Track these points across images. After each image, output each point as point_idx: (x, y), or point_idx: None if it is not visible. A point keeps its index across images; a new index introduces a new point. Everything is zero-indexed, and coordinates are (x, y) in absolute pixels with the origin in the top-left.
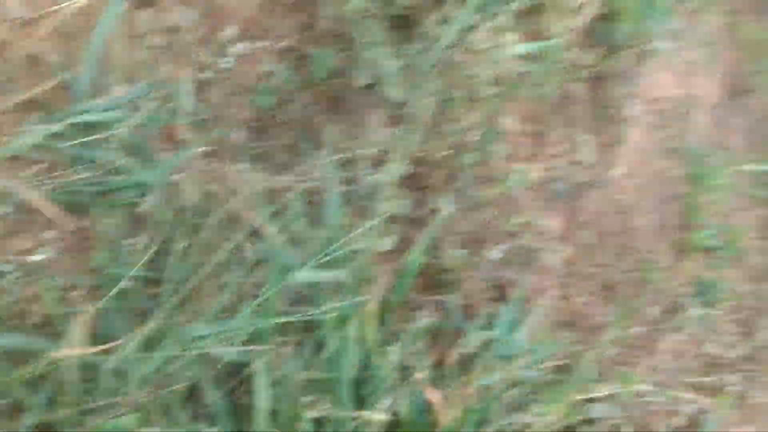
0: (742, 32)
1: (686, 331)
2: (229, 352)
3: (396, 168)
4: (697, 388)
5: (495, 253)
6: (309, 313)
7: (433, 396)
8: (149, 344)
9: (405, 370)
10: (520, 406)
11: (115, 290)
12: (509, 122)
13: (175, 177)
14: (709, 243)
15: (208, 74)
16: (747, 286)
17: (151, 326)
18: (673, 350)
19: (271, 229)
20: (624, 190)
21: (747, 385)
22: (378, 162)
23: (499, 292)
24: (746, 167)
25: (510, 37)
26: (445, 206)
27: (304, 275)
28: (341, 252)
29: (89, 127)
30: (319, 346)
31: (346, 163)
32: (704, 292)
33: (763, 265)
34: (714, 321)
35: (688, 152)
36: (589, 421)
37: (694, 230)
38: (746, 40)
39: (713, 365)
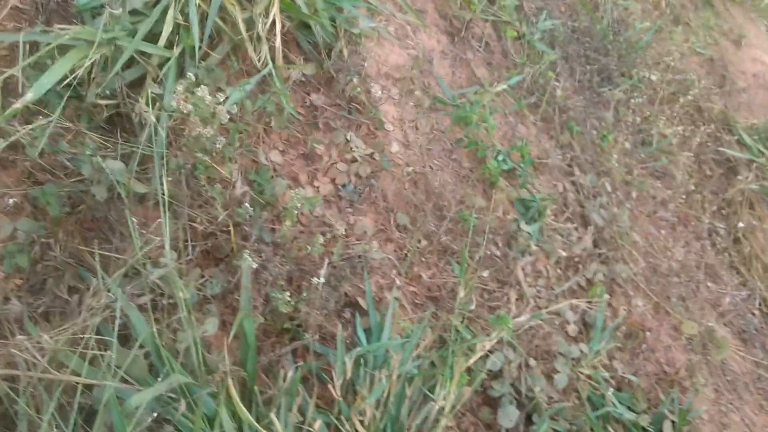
0: None
1: (532, 251)
2: None
3: (180, 254)
4: (571, 294)
5: (317, 280)
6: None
7: None
8: None
9: (298, 429)
10: (423, 399)
11: None
12: (274, 155)
13: None
14: (505, 167)
15: None
16: (559, 184)
17: None
18: (531, 272)
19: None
20: (409, 161)
21: (609, 268)
22: (158, 258)
23: (350, 309)
24: (498, 88)
25: (205, 89)
26: (247, 263)
27: (141, 397)
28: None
29: None
30: None
31: (131, 274)
32: (527, 208)
33: (562, 160)
34: (549, 229)
35: (444, 100)
36: (496, 374)
37: (487, 163)
38: None
39: (571, 266)
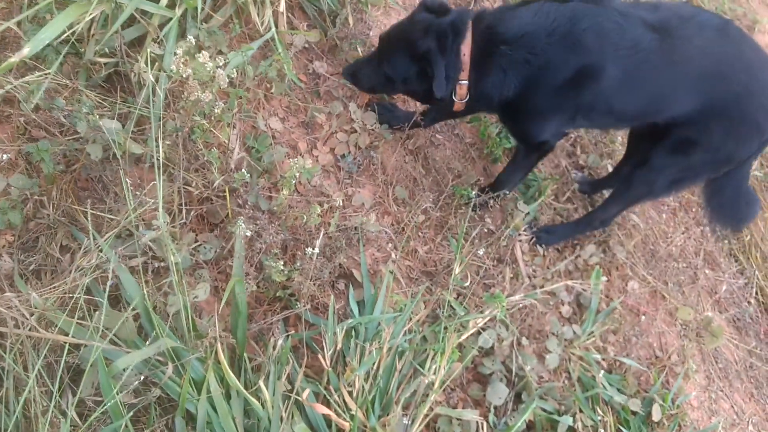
0: None
1: (529, 229)
2: None
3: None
4: (567, 275)
5: (311, 250)
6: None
7: (322, 410)
8: None
9: (287, 398)
10: (413, 373)
11: None
12: (274, 122)
13: None
14: (507, 144)
15: None
16: (562, 164)
17: None
18: (529, 251)
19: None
20: (410, 133)
21: (608, 250)
22: (151, 220)
23: (344, 280)
24: None
25: (205, 55)
26: (241, 230)
27: (128, 359)
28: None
29: None
30: (192, 417)
31: (124, 236)
32: (528, 187)
33: (565, 140)
34: (549, 209)
35: None
36: (488, 352)
37: (489, 141)
38: None
39: (569, 247)
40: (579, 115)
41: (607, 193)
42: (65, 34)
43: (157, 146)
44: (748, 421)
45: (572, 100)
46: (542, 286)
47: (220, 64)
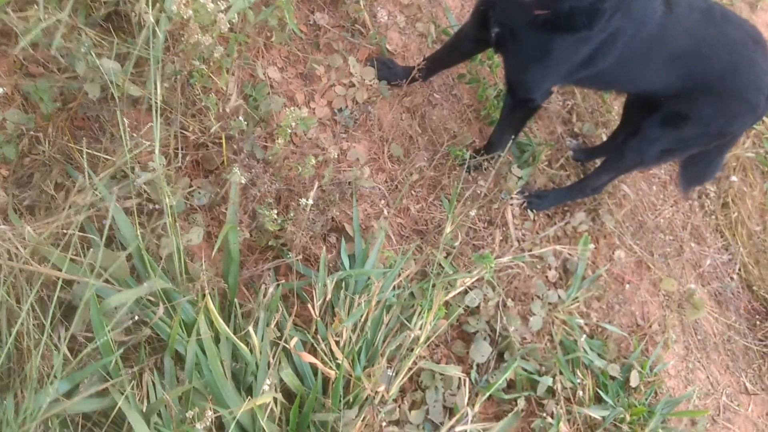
0: None
1: (521, 193)
2: None
3: (173, 159)
4: (555, 240)
5: (305, 201)
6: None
7: (309, 358)
8: None
9: (275, 344)
10: (399, 327)
11: None
12: (272, 72)
13: None
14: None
15: None
16: (557, 130)
17: None
18: (519, 215)
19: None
20: (407, 90)
21: (597, 219)
22: (146, 162)
23: (336, 234)
24: None
25: None
26: (236, 177)
27: (121, 297)
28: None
29: None
30: (180, 358)
31: (119, 176)
32: (522, 152)
33: (562, 107)
34: (543, 174)
35: (450, 32)
36: (473, 311)
37: (486, 102)
38: None
39: (559, 213)
40: (576, 72)
41: (600, 162)
42: None
43: (156, 89)
44: (722, 392)
45: (588, 55)
46: (530, 250)
47: (222, 8)
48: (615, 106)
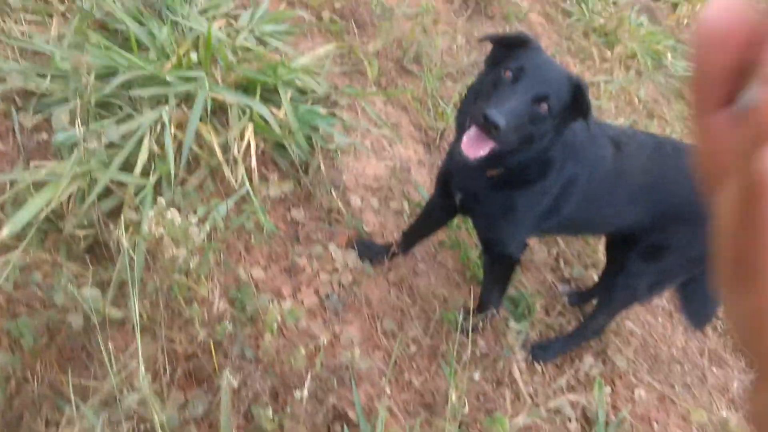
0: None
1: (523, 347)
2: None
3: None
4: (569, 389)
5: (299, 394)
6: None
7: None
8: None
9: None
10: None
11: None
12: (256, 272)
13: None
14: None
15: None
16: (547, 279)
17: None
18: (526, 369)
19: None
20: (392, 265)
21: (607, 360)
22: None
23: (340, 422)
24: None
25: (174, 212)
26: (226, 382)
27: None
28: None
29: None
30: None
31: (111, 401)
32: (516, 305)
33: (548, 255)
34: (541, 324)
35: (423, 204)
36: None
37: (470, 263)
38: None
39: (567, 361)
40: (544, 221)
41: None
42: (44, 212)
43: (136, 310)
44: None
45: (550, 204)
46: (545, 404)
47: (193, 222)
48: (600, 246)
